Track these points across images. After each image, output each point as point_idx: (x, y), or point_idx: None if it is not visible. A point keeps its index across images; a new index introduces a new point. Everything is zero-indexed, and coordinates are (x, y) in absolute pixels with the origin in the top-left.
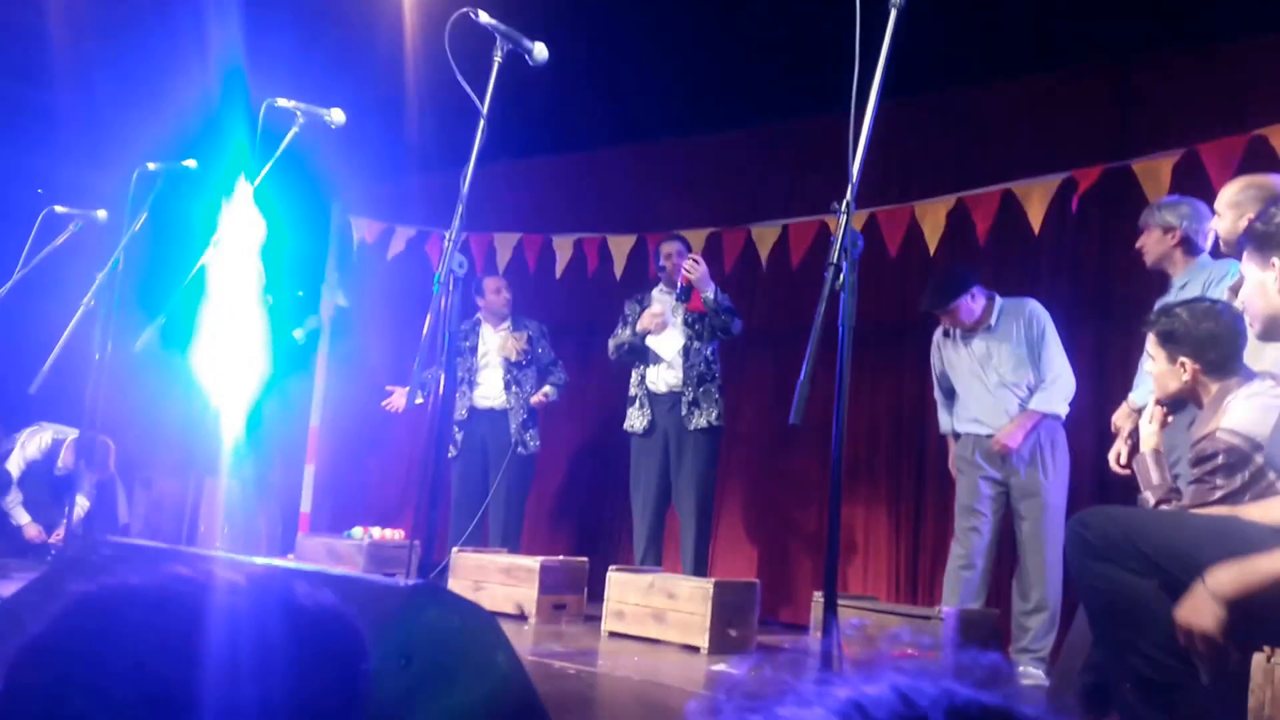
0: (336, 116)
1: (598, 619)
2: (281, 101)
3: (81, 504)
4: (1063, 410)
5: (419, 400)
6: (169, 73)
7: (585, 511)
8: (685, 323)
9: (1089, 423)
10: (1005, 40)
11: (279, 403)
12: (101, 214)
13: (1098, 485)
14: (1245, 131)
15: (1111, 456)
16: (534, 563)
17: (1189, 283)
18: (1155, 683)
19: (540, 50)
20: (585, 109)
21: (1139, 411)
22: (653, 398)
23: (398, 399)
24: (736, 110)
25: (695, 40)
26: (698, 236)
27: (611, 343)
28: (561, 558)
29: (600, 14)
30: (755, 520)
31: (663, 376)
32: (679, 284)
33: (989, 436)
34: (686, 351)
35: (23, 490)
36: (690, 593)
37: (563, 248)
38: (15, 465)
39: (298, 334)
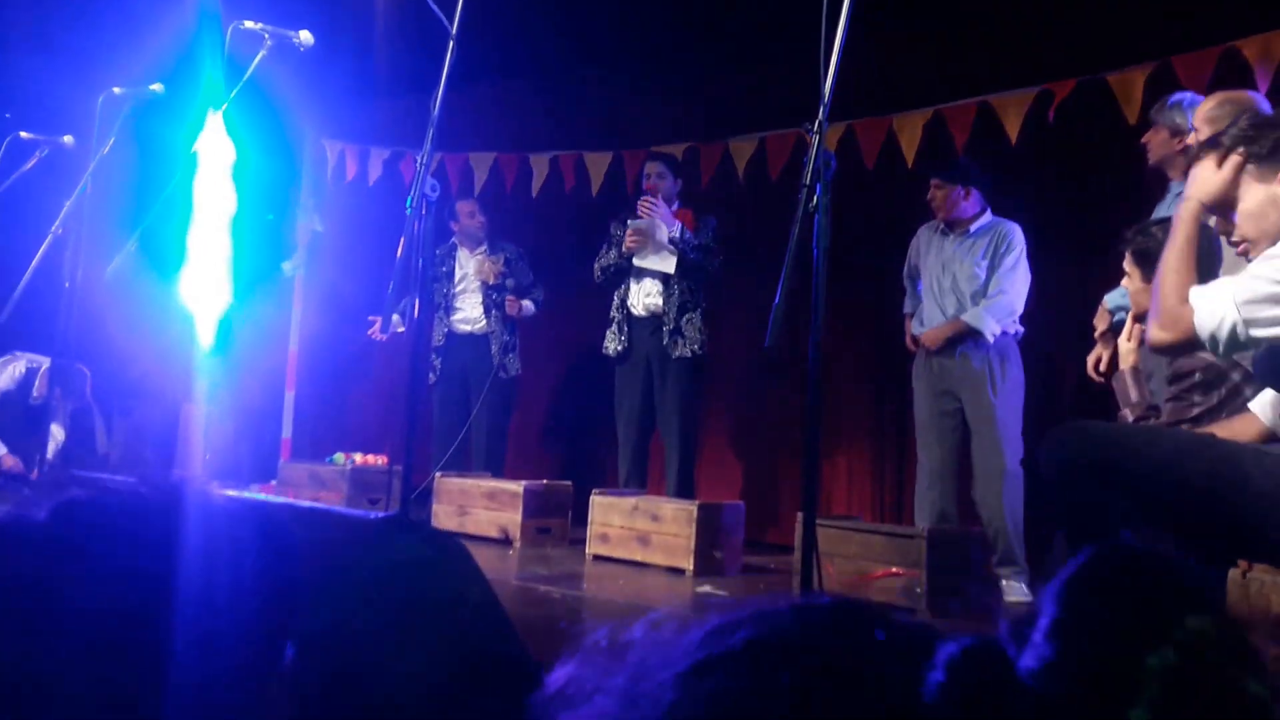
0: (305, 38)
1: (582, 543)
2: (248, 24)
3: (56, 434)
4: (990, 329)
5: (399, 329)
6: None
7: (569, 436)
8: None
9: (1072, 340)
10: None
11: (255, 328)
12: (68, 139)
13: (1076, 404)
14: (1218, 44)
15: (1090, 361)
16: (518, 487)
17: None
18: None
19: None
20: (558, 26)
21: (1111, 313)
22: (631, 321)
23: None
24: (711, 22)
25: None
26: (674, 152)
27: (597, 265)
28: (545, 482)
29: None
30: (739, 443)
31: (643, 300)
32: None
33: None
34: (666, 278)
35: None
36: (674, 515)
37: (539, 166)
38: None
39: (287, 267)
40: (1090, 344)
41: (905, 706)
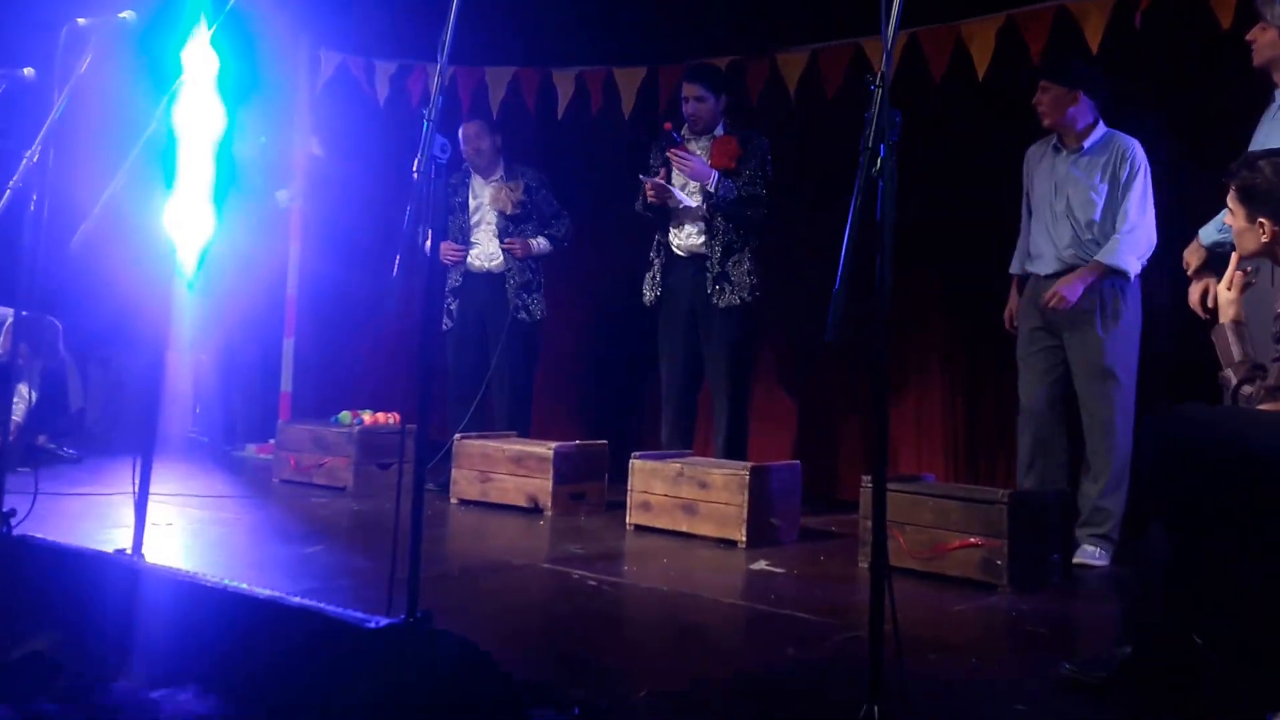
0: None
1: (621, 507)
2: None
3: (25, 395)
4: (1133, 267)
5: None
6: None
7: (603, 389)
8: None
9: (1164, 280)
10: None
11: (246, 266)
12: (28, 72)
13: (1175, 352)
14: None
15: (1193, 296)
16: (547, 449)
17: None
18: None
19: None
20: None
21: (1208, 250)
22: (672, 262)
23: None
24: None
25: None
26: (716, 65)
27: (638, 204)
28: (578, 442)
29: None
30: (792, 396)
31: (685, 240)
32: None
33: (1046, 278)
34: (710, 219)
35: None
36: (724, 481)
37: (564, 84)
38: None
39: (282, 197)
40: (1186, 283)
41: None
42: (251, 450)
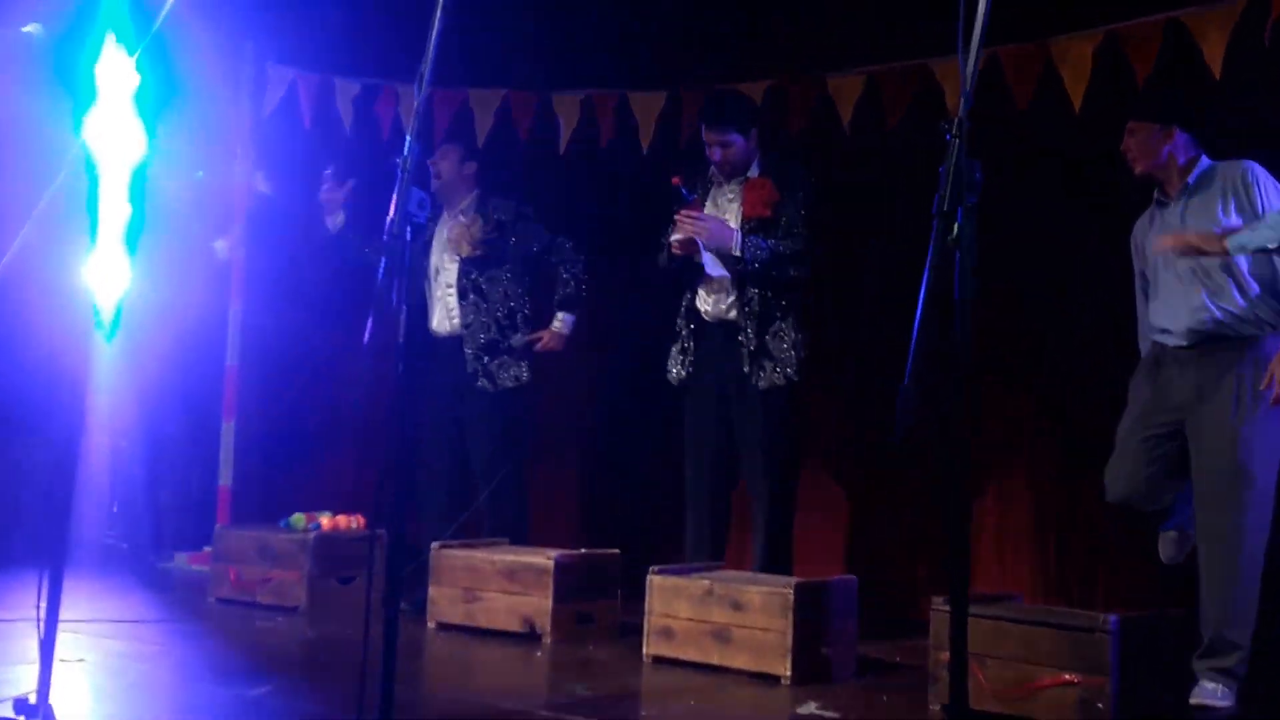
0: None
1: (637, 633)
2: None
3: None
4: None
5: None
6: None
7: (616, 484)
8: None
9: None
10: None
11: (176, 329)
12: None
13: None
14: None
15: None
16: (546, 559)
17: None
18: None
19: None
20: None
21: None
22: (702, 332)
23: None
24: None
25: None
26: (751, 93)
27: (662, 258)
28: (584, 551)
29: None
30: (846, 495)
31: (714, 305)
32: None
33: (1178, 350)
34: (740, 283)
35: None
36: (763, 601)
37: (566, 110)
38: None
39: (220, 246)
40: None
41: None
42: (182, 560)
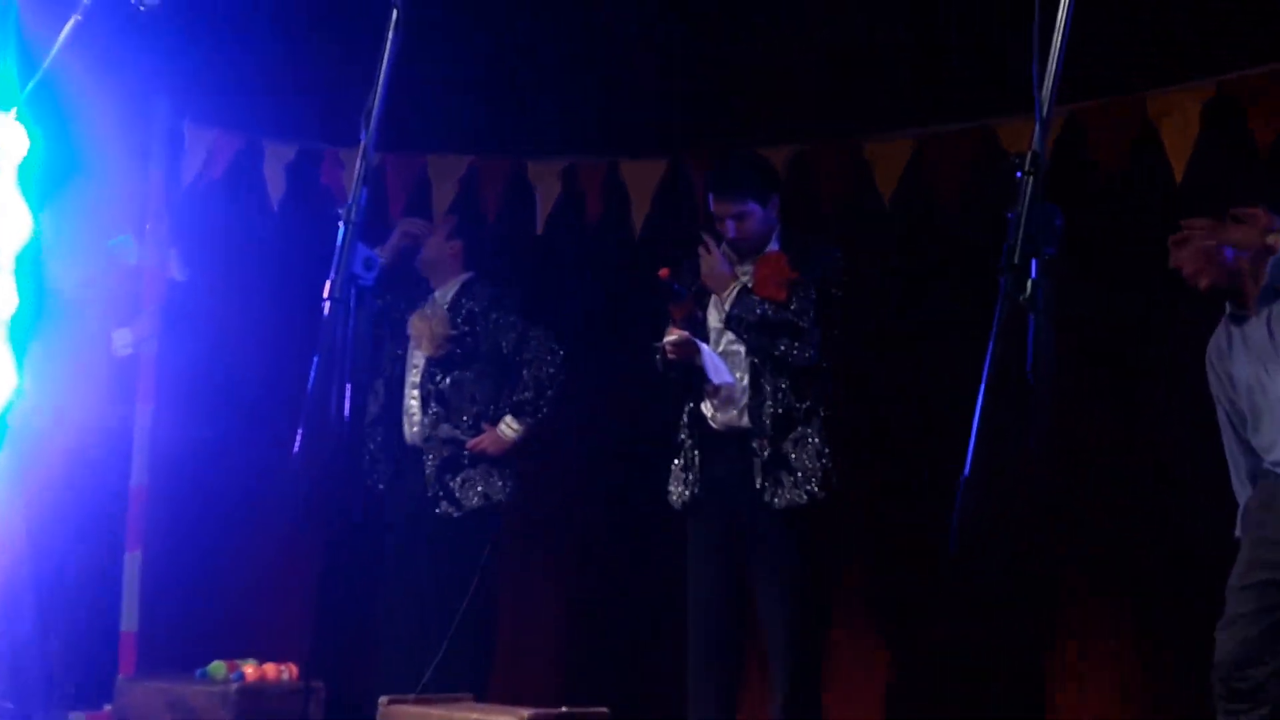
0: None
1: None
2: None
3: None
4: None
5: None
6: None
7: (603, 630)
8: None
9: None
10: None
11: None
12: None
13: None
14: None
15: None
16: (518, 718)
17: None
18: None
19: None
20: None
21: None
22: (708, 444)
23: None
24: None
25: None
26: (772, 157)
27: (658, 361)
28: (564, 709)
29: None
30: (884, 638)
31: (724, 412)
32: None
33: None
34: (755, 372)
35: None
36: None
37: (545, 180)
38: None
39: (120, 340)
40: None
41: None
42: None
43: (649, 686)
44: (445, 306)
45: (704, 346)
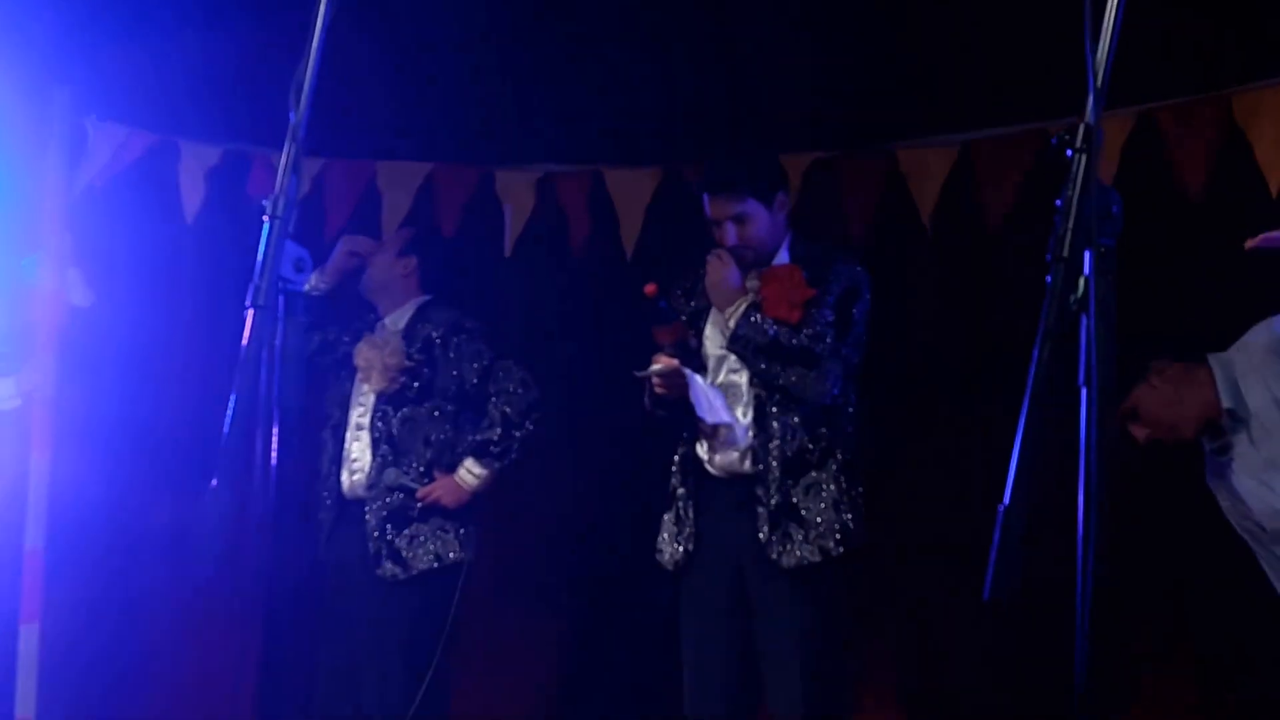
0: None
1: None
2: None
3: None
4: None
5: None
6: None
7: (587, 711)
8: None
9: None
10: None
11: None
12: None
13: None
14: None
15: None
16: None
17: None
18: None
19: None
20: None
21: None
22: (705, 492)
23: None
24: None
25: None
26: (793, 166)
27: (646, 400)
28: None
29: None
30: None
31: (724, 455)
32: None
33: None
34: (759, 409)
35: None
36: None
37: (516, 191)
38: None
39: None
40: None
41: None
42: None
43: None
44: (399, 333)
45: (695, 378)
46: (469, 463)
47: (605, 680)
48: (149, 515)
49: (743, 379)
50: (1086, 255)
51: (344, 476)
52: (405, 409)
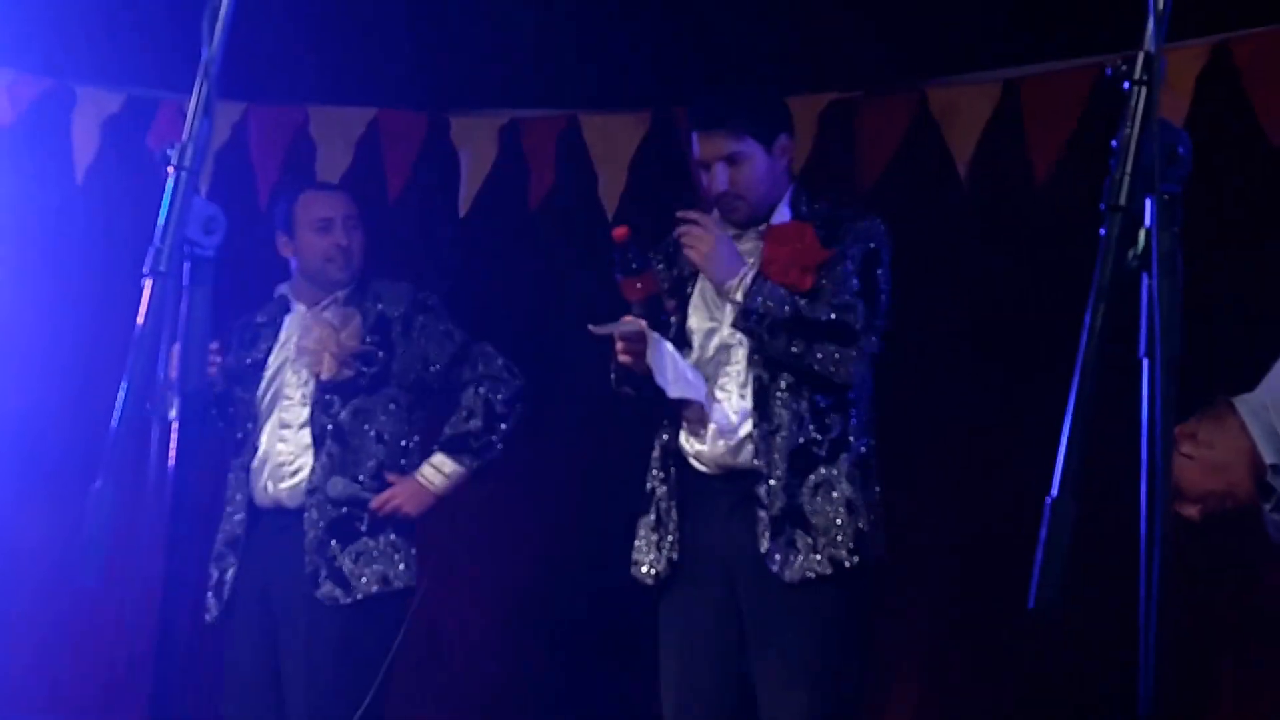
0: None
1: None
2: None
3: None
4: None
5: None
6: None
7: None
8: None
9: None
10: None
11: None
12: None
13: None
14: None
15: None
16: None
17: None
18: None
19: None
20: None
21: None
22: (690, 491)
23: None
24: None
25: None
26: (806, 110)
27: (614, 377)
28: None
29: None
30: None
31: (713, 445)
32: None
33: None
34: (760, 389)
35: None
36: None
37: (476, 141)
38: None
39: None
40: None
41: None
42: None
43: None
44: (354, 311)
45: (662, 342)
46: (439, 459)
47: (570, 715)
48: (23, 521)
49: (739, 355)
50: (1148, 203)
51: (263, 482)
52: (356, 399)
